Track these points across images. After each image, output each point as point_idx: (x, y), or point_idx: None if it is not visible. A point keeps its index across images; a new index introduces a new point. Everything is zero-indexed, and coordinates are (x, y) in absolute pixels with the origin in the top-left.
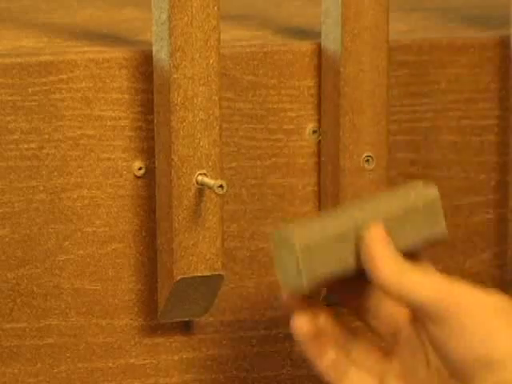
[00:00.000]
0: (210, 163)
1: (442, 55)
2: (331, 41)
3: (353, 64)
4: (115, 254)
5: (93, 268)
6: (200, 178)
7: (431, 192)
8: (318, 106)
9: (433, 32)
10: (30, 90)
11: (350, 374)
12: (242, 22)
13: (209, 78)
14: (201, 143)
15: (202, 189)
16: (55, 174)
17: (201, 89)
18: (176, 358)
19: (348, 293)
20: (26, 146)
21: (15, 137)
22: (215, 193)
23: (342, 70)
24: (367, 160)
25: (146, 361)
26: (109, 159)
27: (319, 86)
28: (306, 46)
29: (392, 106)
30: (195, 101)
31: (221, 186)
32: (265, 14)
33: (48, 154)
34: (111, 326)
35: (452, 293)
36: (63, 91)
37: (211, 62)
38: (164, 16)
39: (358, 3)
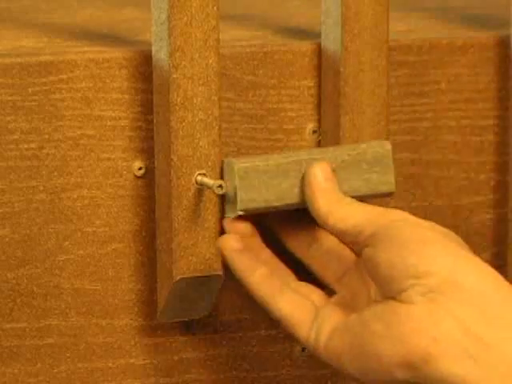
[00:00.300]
0: (210, 163)
1: (442, 55)
2: (331, 41)
3: (353, 64)
4: (115, 253)
5: (93, 268)
6: (199, 178)
7: (383, 146)
8: (318, 106)
9: (433, 32)
10: (30, 90)
11: (284, 292)
12: (241, 22)
13: (208, 78)
14: (200, 143)
15: (201, 189)
16: (55, 173)
17: (200, 89)
18: (176, 358)
19: (299, 242)
20: (26, 146)
21: (15, 137)
22: (214, 193)
23: (342, 70)
24: None
25: (146, 361)
26: (109, 159)
27: (319, 85)
28: (306, 46)
29: (392, 106)
30: (195, 101)
31: (220, 186)
32: (265, 13)
33: (48, 154)
34: (111, 325)
35: (386, 214)
36: (63, 91)
37: (210, 61)
38: (163, 16)
39: (358, 3)
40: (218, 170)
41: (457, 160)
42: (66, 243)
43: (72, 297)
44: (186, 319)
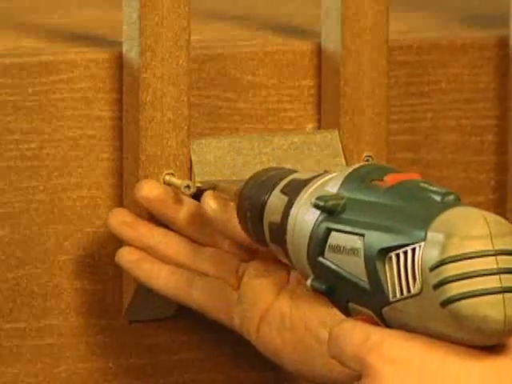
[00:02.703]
0: (178, 163)
1: (442, 55)
2: (331, 41)
3: (353, 64)
4: (115, 253)
5: (93, 268)
6: (167, 177)
7: (331, 132)
8: (318, 106)
9: (433, 32)
10: (30, 89)
11: (194, 283)
12: (241, 22)
13: (178, 78)
14: (169, 143)
15: None
16: (55, 174)
17: (170, 88)
18: (176, 357)
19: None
20: (26, 146)
21: (15, 137)
22: (182, 193)
23: (341, 69)
24: (367, 160)
25: (146, 361)
26: (109, 159)
27: (319, 85)
28: (306, 46)
29: (392, 105)
30: (164, 100)
31: (188, 187)
32: (265, 13)
33: (48, 154)
34: (111, 325)
35: None
36: (63, 91)
37: (181, 62)
38: (135, 15)
39: (358, 3)
40: (186, 169)
41: (457, 160)
42: (66, 243)
43: (72, 297)
44: (152, 318)
